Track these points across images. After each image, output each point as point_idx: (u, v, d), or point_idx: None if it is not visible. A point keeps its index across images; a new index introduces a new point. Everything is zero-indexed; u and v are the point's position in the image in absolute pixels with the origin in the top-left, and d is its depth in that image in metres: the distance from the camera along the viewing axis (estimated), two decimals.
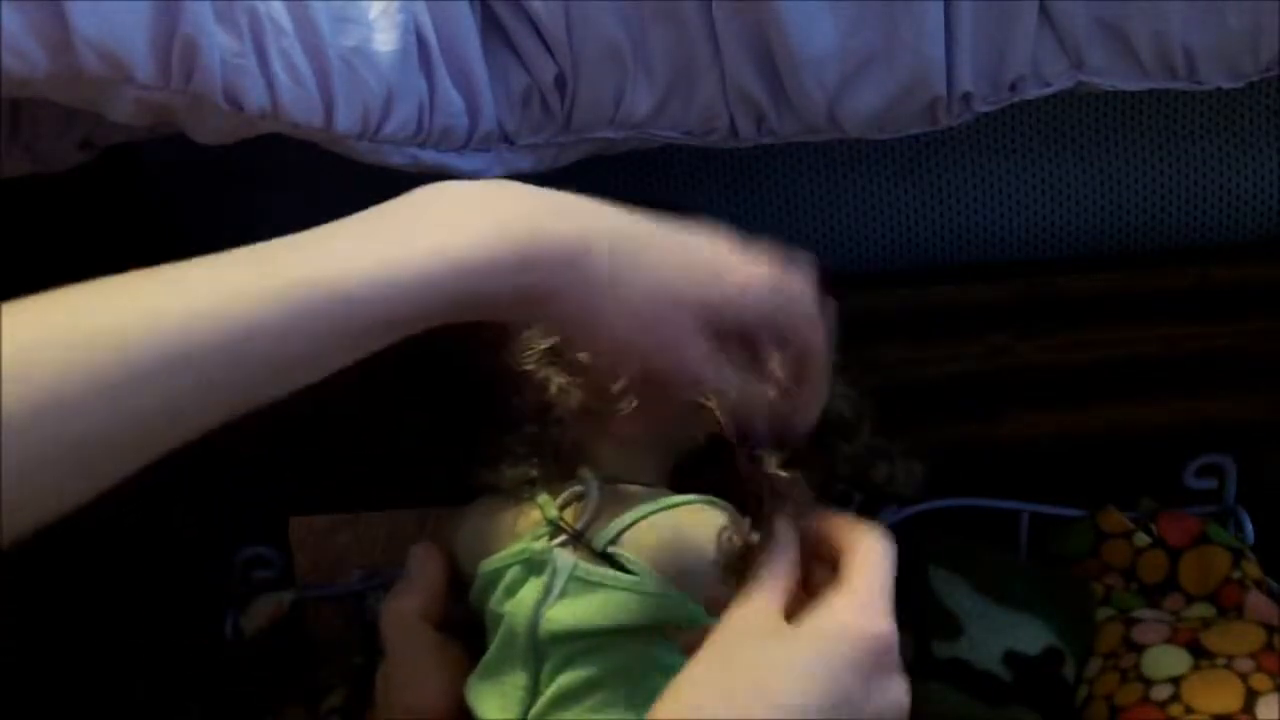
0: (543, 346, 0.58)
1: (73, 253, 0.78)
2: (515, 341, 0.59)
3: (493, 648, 0.56)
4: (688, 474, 0.60)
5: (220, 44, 0.49)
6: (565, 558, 0.55)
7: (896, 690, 0.45)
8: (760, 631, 0.45)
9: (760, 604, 0.46)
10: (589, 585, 0.54)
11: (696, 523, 0.55)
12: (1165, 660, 0.67)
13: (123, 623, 0.79)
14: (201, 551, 0.80)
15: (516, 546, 0.56)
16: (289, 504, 0.79)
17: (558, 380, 0.58)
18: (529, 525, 0.57)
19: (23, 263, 0.74)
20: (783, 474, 0.60)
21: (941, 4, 0.58)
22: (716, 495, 0.57)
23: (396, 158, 0.58)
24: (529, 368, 0.58)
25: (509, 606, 0.55)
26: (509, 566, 0.56)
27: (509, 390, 0.60)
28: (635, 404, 0.57)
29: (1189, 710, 0.63)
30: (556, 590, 0.54)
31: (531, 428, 0.59)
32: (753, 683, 0.43)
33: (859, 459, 0.64)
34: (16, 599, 0.76)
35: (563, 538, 0.56)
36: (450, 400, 0.69)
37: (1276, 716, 0.61)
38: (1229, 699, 0.63)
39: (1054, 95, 0.62)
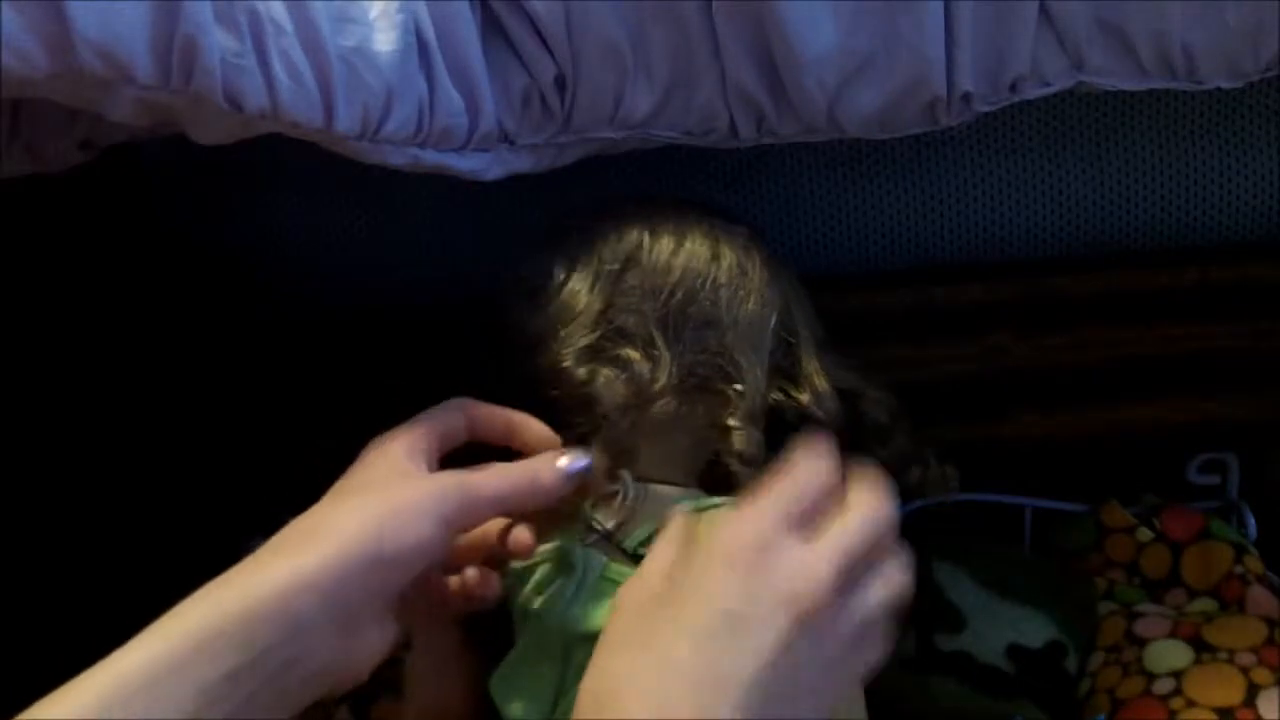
0: (582, 344, 0.58)
1: (73, 253, 0.78)
2: (554, 339, 0.59)
3: (520, 644, 0.56)
4: (721, 477, 0.60)
5: (220, 44, 0.49)
6: (596, 557, 0.55)
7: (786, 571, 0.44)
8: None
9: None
10: (618, 586, 0.53)
11: None
12: (1167, 654, 0.67)
13: (130, 614, 0.79)
14: (209, 542, 0.80)
15: (548, 544, 0.56)
16: (296, 499, 0.79)
17: (602, 375, 0.57)
18: (561, 523, 0.57)
19: (23, 263, 0.74)
20: None
21: (941, 4, 0.58)
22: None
23: (396, 158, 0.58)
24: (567, 365, 0.58)
25: (538, 604, 0.55)
26: (539, 564, 0.56)
27: (545, 389, 0.59)
28: (673, 403, 0.57)
29: (1190, 704, 0.63)
30: (586, 590, 0.54)
31: (573, 425, 0.59)
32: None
33: (893, 463, 0.64)
34: (21, 591, 0.76)
35: (594, 537, 0.56)
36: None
37: (1277, 711, 0.61)
38: (1230, 693, 0.63)
39: (1054, 95, 0.62)
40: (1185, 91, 0.67)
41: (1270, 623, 0.67)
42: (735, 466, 0.57)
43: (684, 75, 0.60)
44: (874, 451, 0.63)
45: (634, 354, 0.58)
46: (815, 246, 0.80)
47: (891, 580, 0.46)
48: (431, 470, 0.51)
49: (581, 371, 0.58)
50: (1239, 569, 0.72)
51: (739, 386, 0.58)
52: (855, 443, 0.62)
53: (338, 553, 0.45)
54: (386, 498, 0.48)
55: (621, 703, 0.42)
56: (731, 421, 0.57)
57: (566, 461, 0.53)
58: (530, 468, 0.52)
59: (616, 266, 0.60)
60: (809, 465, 0.46)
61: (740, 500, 0.46)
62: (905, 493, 0.69)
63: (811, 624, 0.43)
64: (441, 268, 0.80)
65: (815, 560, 0.43)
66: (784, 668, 0.42)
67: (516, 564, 0.57)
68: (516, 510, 0.52)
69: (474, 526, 0.51)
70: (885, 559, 0.46)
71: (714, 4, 0.58)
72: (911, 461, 0.65)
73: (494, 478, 0.51)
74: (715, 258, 0.60)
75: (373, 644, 0.48)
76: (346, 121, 0.54)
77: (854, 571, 0.44)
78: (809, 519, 0.45)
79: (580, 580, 0.54)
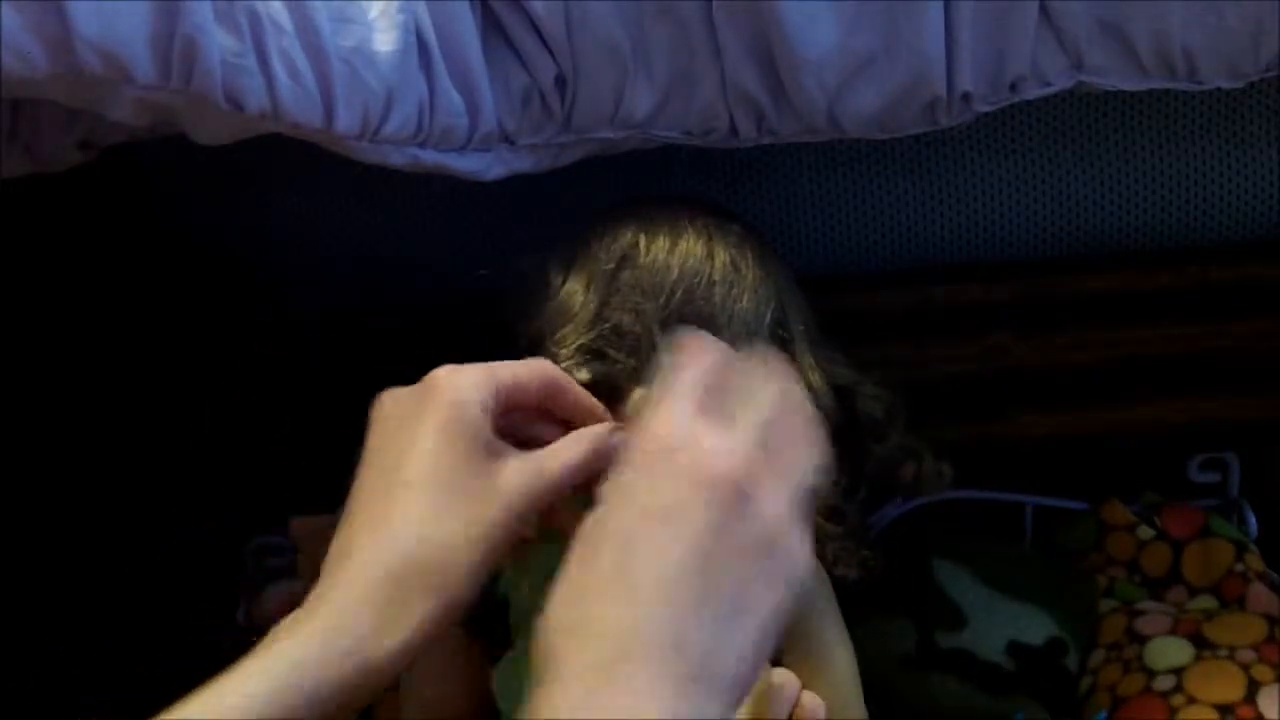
0: (578, 344, 0.58)
1: (73, 253, 0.78)
2: (551, 340, 0.59)
3: (520, 643, 0.56)
4: None
5: (220, 44, 0.49)
6: None
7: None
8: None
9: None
10: None
11: None
12: (1168, 651, 0.67)
13: (135, 610, 0.79)
14: (214, 540, 0.81)
15: (546, 541, 0.56)
16: (297, 498, 0.79)
17: (599, 375, 0.57)
18: (560, 521, 0.57)
19: (23, 263, 0.74)
20: None
21: (941, 4, 0.58)
22: None
23: (397, 158, 0.58)
24: (564, 366, 0.58)
25: (538, 602, 0.55)
26: (537, 560, 0.56)
27: None
28: None
29: (1191, 700, 0.63)
30: None
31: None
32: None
33: (889, 459, 0.64)
34: (22, 590, 0.76)
35: None
36: None
37: (1278, 708, 0.61)
38: (1231, 690, 0.63)
39: (1054, 95, 0.62)
40: (1185, 91, 0.67)
41: (1271, 620, 0.67)
42: None
43: (684, 75, 0.60)
44: (869, 447, 0.63)
45: (631, 354, 0.58)
46: (815, 246, 0.80)
47: (815, 445, 0.45)
48: (495, 434, 0.47)
49: (578, 373, 0.58)
50: (1239, 566, 0.72)
51: None
52: (851, 438, 0.62)
53: (432, 597, 0.43)
54: (476, 521, 0.45)
55: (562, 635, 0.41)
56: None
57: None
58: (596, 447, 0.49)
59: (612, 266, 0.60)
60: (707, 352, 0.45)
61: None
62: (902, 489, 0.69)
63: (737, 502, 0.41)
64: (441, 267, 0.80)
65: (732, 439, 0.42)
66: (711, 553, 0.40)
67: (514, 560, 0.57)
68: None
69: None
70: (804, 428, 0.45)
71: (714, 4, 0.58)
72: (907, 457, 0.65)
73: (564, 471, 0.48)
74: (709, 256, 0.60)
75: None
76: (346, 122, 0.54)
77: (773, 445, 0.43)
78: (719, 403, 0.43)
79: None
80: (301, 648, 0.41)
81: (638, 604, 0.40)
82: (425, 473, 0.45)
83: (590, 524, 0.43)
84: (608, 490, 0.43)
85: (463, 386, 0.47)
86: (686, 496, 0.41)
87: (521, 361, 0.50)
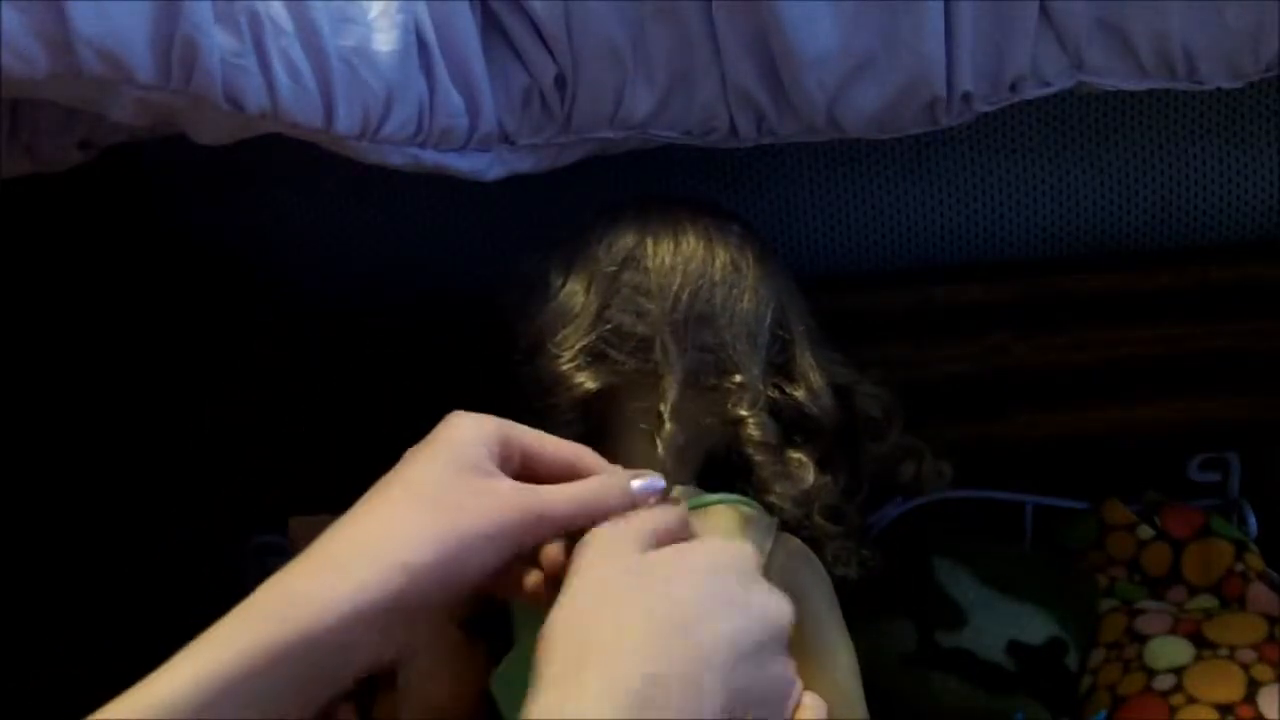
0: (579, 345, 0.58)
1: (73, 253, 0.78)
2: (551, 342, 0.59)
3: (520, 644, 0.56)
4: (712, 472, 0.60)
5: (220, 44, 0.49)
6: None
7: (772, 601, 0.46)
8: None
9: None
10: None
11: (725, 522, 0.55)
12: (1168, 651, 0.67)
13: (135, 610, 0.79)
14: (214, 540, 0.80)
15: None
16: (297, 498, 0.79)
17: (601, 376, 0.58)
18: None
19: (23, 263, 0.74)
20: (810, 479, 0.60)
21: (941, 4, 0.58)
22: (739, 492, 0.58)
23: (396, 158, 0.58)
24: (565, 368, 0.58)
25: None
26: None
27: (543, 392, 0.59)
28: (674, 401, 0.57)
29: (1191, 700, 0.63)
30: None
31: (566, 427, 0.59)
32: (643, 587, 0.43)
33: (888, 458, 0.64)
34: (23, 589, 0.76)
35: None
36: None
37: (1278, 708, 0.61)
38: (1231, 689, 0.63)
39: (1054, 95, 0.62)
40: (1185, 91, 0.67)
41: (1271, 620, 0.67)
42: (758, 456, 0.58)
43: (684, 75, 0.60)
44: (868, 447, 0.63)
45: (632, 355, 0.58)
46: (815, 246, 0.80)
47: None
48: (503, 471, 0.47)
49: (579, 375, 0.58)
50: (1239, 566, 0.72)
51: (739, 378, 0.58)
52: (850, 439, 0.62)
53: (403, 582, 0.43)
54: (460, 519, 0.44)
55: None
56: (743, 411, 0.58)
57: (640, 484, 0.49)
58: (600, 493, 0.48)
59: (614, 268, 0.60)
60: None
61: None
62: (902, 488, 0.69)
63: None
64: (441, 267, 0.80)
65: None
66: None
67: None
68: (577, 531, 0.48)
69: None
70: None
71: (714, 4, 0.58)
72: (906, 456, 0.65)
73: (564, 502, 0.47)
74: (710, 256, 0.60)
75: (420, 637, 0.46)
76: (346, 122, 0.54)
77: None
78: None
79: None
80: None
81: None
82: (416, 487, 0.46)
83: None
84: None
85: (464, 426, 0.47)
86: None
87: (548, 436, 0.49)
